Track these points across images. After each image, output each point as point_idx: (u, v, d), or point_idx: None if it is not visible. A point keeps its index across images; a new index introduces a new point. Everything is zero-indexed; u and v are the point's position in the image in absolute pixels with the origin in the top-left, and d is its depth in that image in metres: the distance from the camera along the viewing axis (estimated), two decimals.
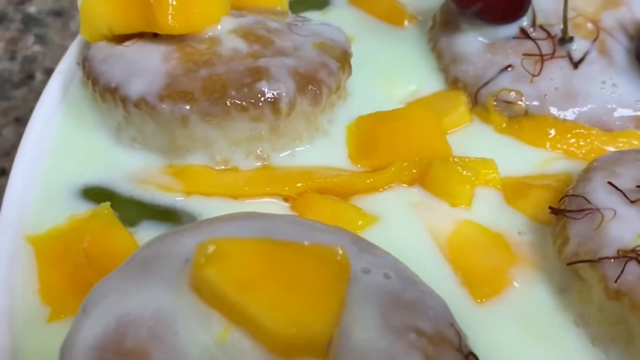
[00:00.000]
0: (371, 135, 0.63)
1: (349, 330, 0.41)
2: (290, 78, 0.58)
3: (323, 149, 0.62)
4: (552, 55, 0.66)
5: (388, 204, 0.58)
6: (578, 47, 0.66)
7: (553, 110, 0.64)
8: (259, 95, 0.57)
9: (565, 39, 0.66)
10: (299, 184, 0.58)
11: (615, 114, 0.64)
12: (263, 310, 0.38)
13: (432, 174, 0.59)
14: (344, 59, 0.63)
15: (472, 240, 0.55)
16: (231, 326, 0.39)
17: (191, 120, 0.57)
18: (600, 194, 0.51)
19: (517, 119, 0.64)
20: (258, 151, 0.60)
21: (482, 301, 0.51)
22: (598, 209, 0.49)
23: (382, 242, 0.51)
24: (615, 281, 0.45)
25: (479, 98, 0.66)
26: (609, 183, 0.51)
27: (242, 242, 0.42)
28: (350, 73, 0.64)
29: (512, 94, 0.65)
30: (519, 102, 0.64)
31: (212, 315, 0.40)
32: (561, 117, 0.64)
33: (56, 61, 0.90)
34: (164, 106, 0.56)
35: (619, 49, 0.67)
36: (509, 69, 0.66)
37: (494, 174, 0.60)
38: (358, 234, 0.54)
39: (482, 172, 0.59)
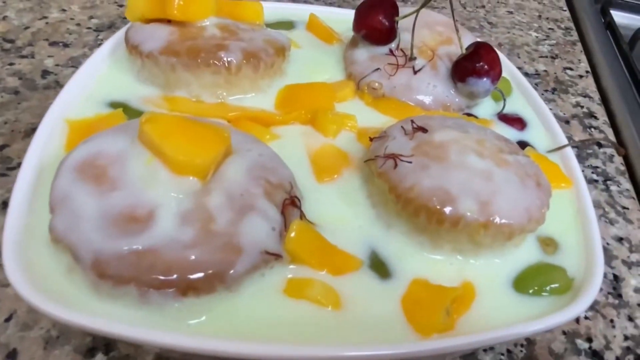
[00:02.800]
0: (291, 95, 0.69)
1: (225, 171, 0.49)
2: (240, 52, 0.66)
3: (261, 99, 0.68)
4: (403, 66, 0.73)
5: (288, 131, 0.64)
6: (419, 63, 0.73)
7: (399, 96, 0.70)
8: (219, 58, 0.64)
9: (412, 58, 0.73)
10: (236, 112, 0.65)
11: (431, 101, 0.71)
12: (171, 148, 0.46)
13: (317, 117, 0.65)
14: (280, 49, 0.70)
15: (328, 152, 0.61)
16: (153, 157, 0.47)
17: (177, 68, 0.65)
18: (394, 130, 0.57)
19: (378, 99, 0.71)
20: (217, 93, 0.67)
21: (322, 182, 0.57)
22: (388, 136, 0.56)
23: (277, 148, 0.57)
24: (380, 167, 0.52)
25: (360, 85, 0.72)
26: (402, 126, 0.58)
27: (168, 115, 0.49)
28: (284, 58, 0.71)
29: (377, 84, 0.71)
30: (380, 90, 0.71)
31: (145, 152, 0.48)
32: (402, 99, 0.70)
33: None
34: (161, 57, 0.64)
35: (443, 67, 0.73)
36: (378, 70, 0.73)
37: (354, 123, 0.66)
38: (265, 143, 0.60)
39: (346, 120, 0.66)
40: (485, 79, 0.70)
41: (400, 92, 0.71)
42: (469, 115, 0.73)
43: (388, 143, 0.55)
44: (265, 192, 0.49)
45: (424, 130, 0.55)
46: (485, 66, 0.69)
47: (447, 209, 0.46)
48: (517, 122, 0.74)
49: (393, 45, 0.74)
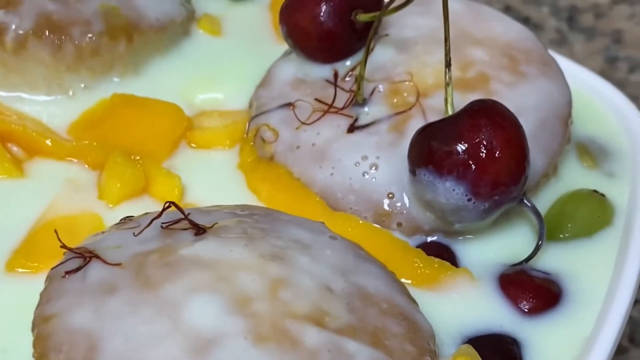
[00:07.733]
0: (108, 112, 0.57)
1: None
2: (34, 17, 0.55)
3: (51, 106, 0.58)
4: (338, 111, 0.54)
5: (49, 173, 0.54)
6: (371, 112, 0.54)
7: (291, 166, 0.54)
8: None
9: (357, 100, 0.54)
10: None
11: (353, 196, 0.52)
12: None
13: (107, 162, 0.53)
14: (123, 29, 0.58)
15: (77, 225, 0.50)
16: None
17: None
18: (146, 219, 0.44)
19: (260, 163, 0.56)
20: None
21: (13, 272, 0.48)
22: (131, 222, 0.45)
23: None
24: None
25: (249, 127, 0.57)
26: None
27: None
28: (130, 47, 0.58)
29: (270, 133, 0.55)
30: (270, 145, 0.55)
31: None
32: (296, 175, 0.54)
33: None
34: None
35: None
36: (287, 107, 0.55)
37: (174, 191, 0.53)
38: None
39: (161, 183, 0.53)
40: (452, 182, 0.48)
41: (300, 160, 0.54)
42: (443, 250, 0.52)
43: (112, 234, 0.45)
44: None
45: (198, 229, 0.42)
46: (465, 153, 0.47)
47: None
48: (538, 292, 0.50)
49: (347, 63, 0.57)
